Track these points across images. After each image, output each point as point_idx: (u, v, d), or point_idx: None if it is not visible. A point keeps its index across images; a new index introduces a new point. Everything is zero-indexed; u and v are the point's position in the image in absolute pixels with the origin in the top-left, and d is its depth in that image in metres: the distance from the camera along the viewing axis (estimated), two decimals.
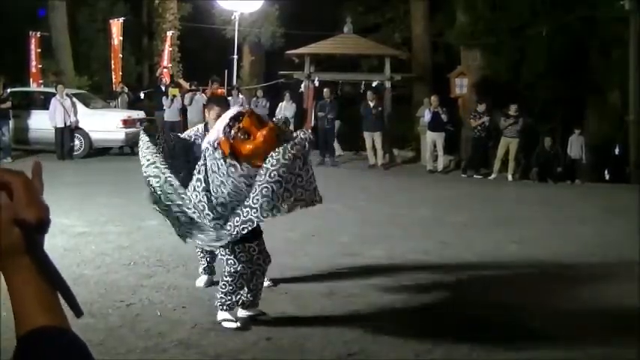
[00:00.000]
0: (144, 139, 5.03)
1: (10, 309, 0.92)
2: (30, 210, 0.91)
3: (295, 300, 5.63)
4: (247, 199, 4.56)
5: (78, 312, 0.91)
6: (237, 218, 4.58)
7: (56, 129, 15.41)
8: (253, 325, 5.03)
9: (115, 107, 18.21)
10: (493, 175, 15.09)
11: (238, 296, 5.02)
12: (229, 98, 17.34)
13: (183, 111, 17.53)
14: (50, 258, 0.93)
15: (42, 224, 0.92)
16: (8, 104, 15.37)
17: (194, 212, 4.72)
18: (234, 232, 4.61)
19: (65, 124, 15.44)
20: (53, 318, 0.91)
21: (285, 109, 17.32)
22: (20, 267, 0.91)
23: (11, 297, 0.92)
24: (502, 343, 4.83)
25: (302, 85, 17.64)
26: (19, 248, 0.91)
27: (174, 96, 16.90)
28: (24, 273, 0.91)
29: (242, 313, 5.12)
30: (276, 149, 4.56)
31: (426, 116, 15.72)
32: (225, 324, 4.96)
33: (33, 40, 18.87)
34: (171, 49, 21.94)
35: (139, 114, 17.19)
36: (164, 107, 16.86)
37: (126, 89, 19.00)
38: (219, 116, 5.56)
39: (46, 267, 0.92)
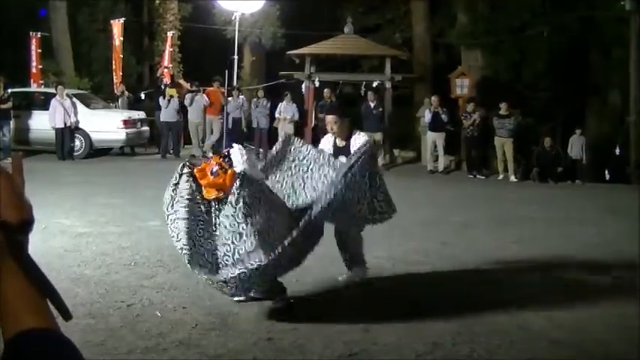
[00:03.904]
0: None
1: None
2: (11, 210, 0.88)
3: (295, 300, 5.64)
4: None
5: (66, 315, 0.89)
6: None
7: (56, 129, 15.43)
8: (254, 325, 5.04)
9: (116, 107, 18.23)
10: (500, 176, 15.10)
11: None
12: (229, 99, 17.38)
13: (184, 111, 17.52)
14: (34, 260, 0.89)
15: (24, 225, 0.89)
16: (9, 105, 15.41)
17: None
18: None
19: (65, 124, 15.46)
20: (41, 320, 0.88)
21: (285, 109, 17.32)
22: (4, 269, 0.88)
23: None
24: (502, 343, 4.83)
25: (302, 86, 17.65)
26: (1, 249, 0.87)
27: (171, 96, 16.86)
28: (9, 275, 0.88)
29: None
30: None
31: (427, 116, 15.74)
32: (236, 297, 5.38)
33: (33, 41, 18.88)
34: (171, 49, 21.93)
35: (140, 114, 17.21)
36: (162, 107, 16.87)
37: (126, 92, 18.95)
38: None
39: (29, 270, 0.88)
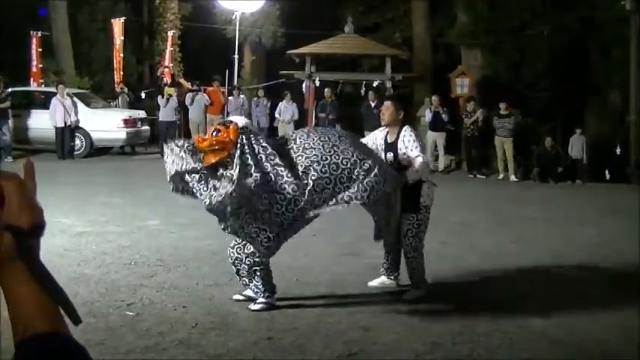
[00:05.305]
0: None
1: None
2: (22, 215, 0.88)
3: (295, 300, 5.64)
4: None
5: (75, 319, 0.89)
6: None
7: (56, 129, 15.42)
8: (253, 324, 5.04)
9: (116, 107, 18.23)
10: (501, 176, 15.10)
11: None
12: (230, 98, 17.38)
13: (185, 111, 17.49)
14: (44, 265, 0.89)
15: (35, 229, 0.89)
16: (7, 104, 15.39)
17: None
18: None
19: (65, 123, 15.46)
20: (51, 323, 0.88)
21: (286, 109, 17.31)
22: (15, 272, 0.88)
23: (7, 302, 0.89)
24: (502, 343, 4.83)
25: (303, 85, 17.64)
26: (12, 254, 0.88)
27: (169, 95, 16.85)
28: (19, 278, 0.88)
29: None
30: None
31: (427, 116, 15.74)
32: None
33: (34, 40, 18.86)
34: (172, 48, 21.94)
35: (140, 114, 17.20)
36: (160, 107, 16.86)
37: (125, 89, 18.99)
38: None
39: (39, 274, 0.88)
